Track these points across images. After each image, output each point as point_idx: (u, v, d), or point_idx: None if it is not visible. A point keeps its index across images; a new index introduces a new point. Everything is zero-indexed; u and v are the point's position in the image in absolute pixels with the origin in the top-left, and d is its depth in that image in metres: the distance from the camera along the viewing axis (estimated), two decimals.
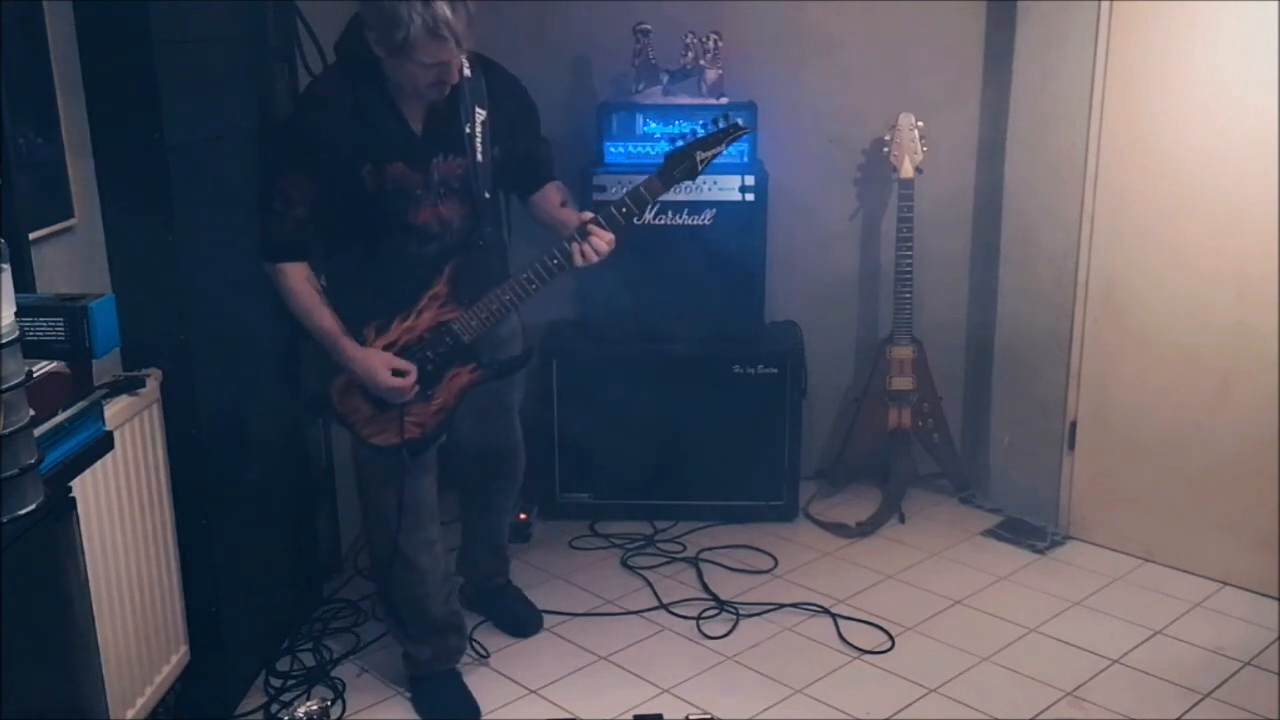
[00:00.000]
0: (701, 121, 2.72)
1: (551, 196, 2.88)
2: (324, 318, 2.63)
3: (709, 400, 3.81)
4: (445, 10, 2.38)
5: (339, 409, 2.73)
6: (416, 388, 2.67)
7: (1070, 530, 3.83)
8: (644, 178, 2.70)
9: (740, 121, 2.70)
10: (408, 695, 2.97)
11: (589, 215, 2.71)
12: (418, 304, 2.67)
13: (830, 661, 3.13)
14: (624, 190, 3.53)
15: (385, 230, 2.64)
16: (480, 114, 2.64)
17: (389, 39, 2.43)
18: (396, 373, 2.64)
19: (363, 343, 2.65)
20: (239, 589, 2.88)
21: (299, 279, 2.64)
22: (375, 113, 2.57)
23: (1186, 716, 2.86)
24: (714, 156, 2.68)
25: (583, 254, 2.64)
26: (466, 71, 2.61)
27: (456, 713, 2.89)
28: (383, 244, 2.66)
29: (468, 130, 2.63)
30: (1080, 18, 3.51)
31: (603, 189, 3.62)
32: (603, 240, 2.64)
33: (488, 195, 2.68)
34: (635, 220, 2.73)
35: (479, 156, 2.64)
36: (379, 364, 2.63)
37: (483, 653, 3.13)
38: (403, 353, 2.67)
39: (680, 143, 2.69)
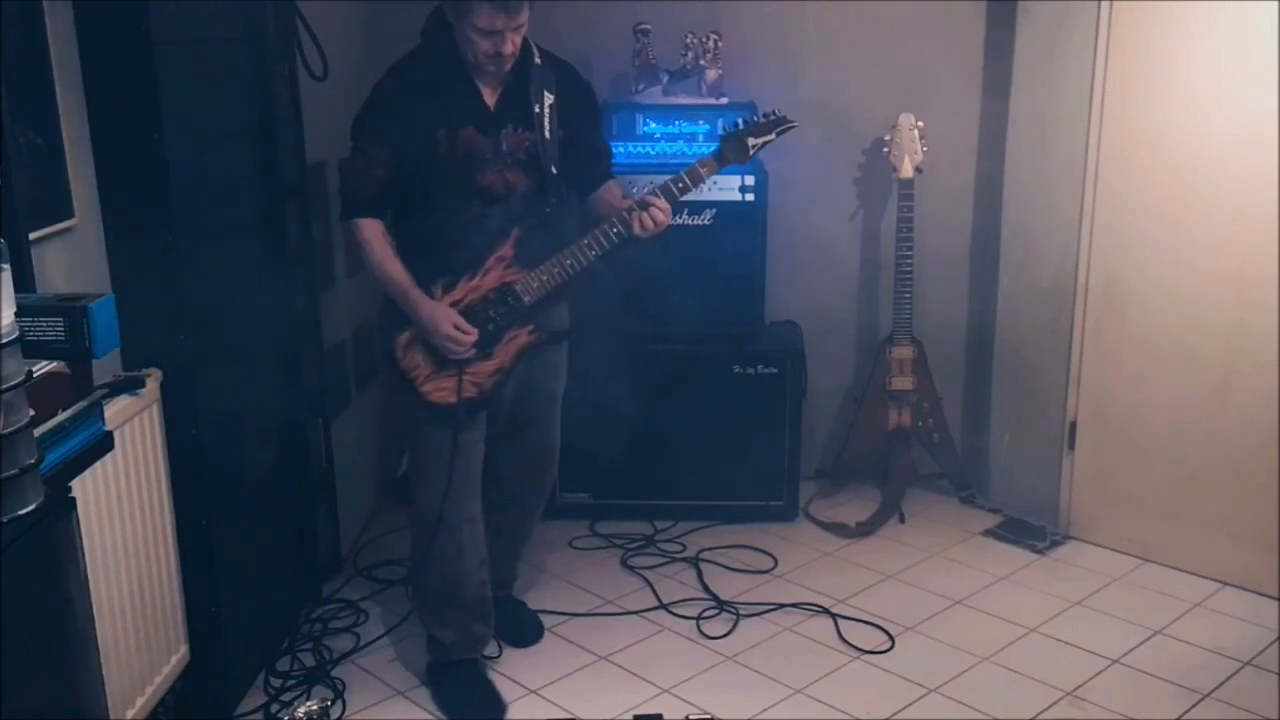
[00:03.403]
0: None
1: (614, 190, 2.99)
2: (396, 268, 2.76)
3: (709, 400, 3.81)
4: None
5: (402, 363, 2.80)
6: (474, 348, 2.77)
7: (1070, 530, 3.83)
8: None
9: (788, 116, 2.86)
10: (426, 689, 2.96)
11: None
12: (484, 264, 2.78)
13: (830, 661, 3.13)
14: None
15: (455, 191, 2.77)
16: (549, 98, 2.82)
17: None
18: (459, 330, 2.74)
19: (431, 298, 2.76)
20: (239, 589, 2.88)
21: (375, 233, 2.78)
22: (452, 84, 2.75)
23: (1186, 716, 2.86)
24: (764, 145, 2.86)
25: (641, 223, 2.75)
26: (537, 59, 2.82)
27: (481, 708, 2.89)
28: (452, 204, 2.77)
29: (536, 110, 2.79)
30: (1080, 18, 3.51)
31: None
32: (661, 210, 2.76)
33: (554, 170, 2.82)
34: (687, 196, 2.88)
35: (547, 134, 2.80)
36: (443, 316, 2.73)
37: (491, 654, 3.11)
38: (467, 311, 2.77)
39: (733, 128, 2.85)
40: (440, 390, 2.79)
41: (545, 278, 2.79)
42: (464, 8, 2.62)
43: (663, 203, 2.76)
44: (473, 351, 2.76)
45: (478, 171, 2.76)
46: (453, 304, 2.76)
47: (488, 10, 2.61)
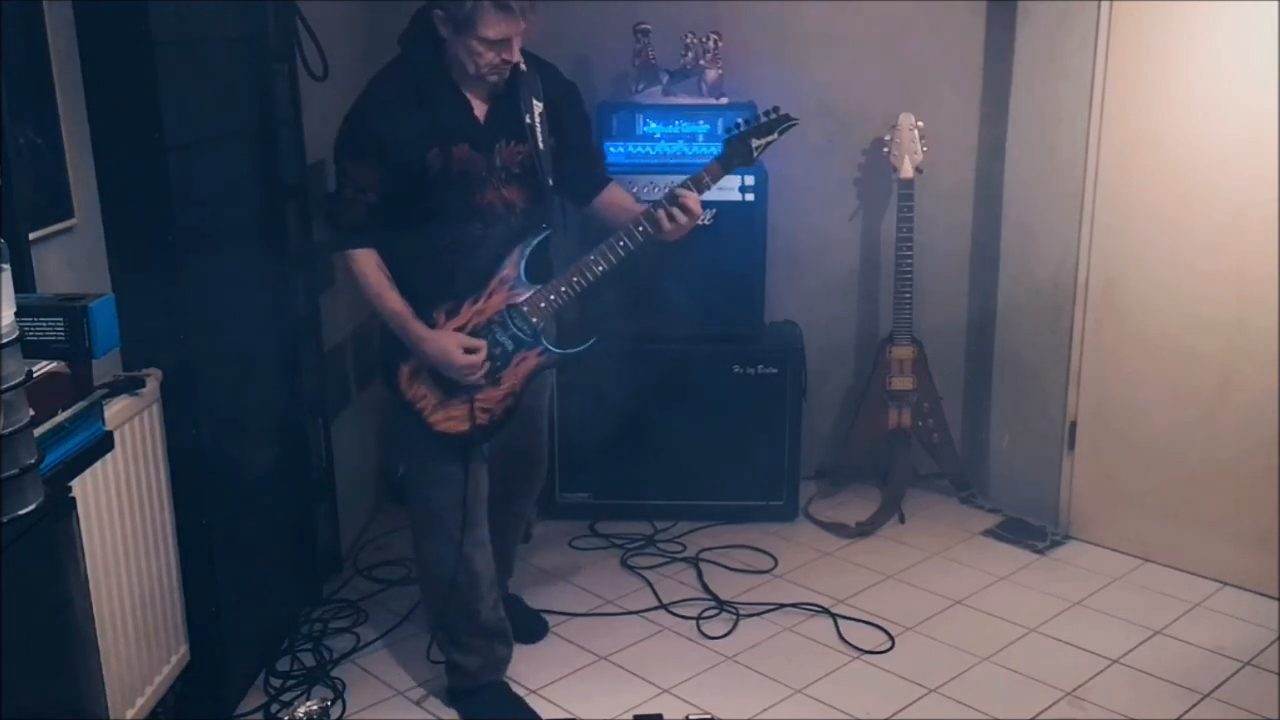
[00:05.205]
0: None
1: (621, 194, 2.92)
2: (394, 300, 2.64)
3: (709, 400, 3.81)
4: None
5: (406, 395, 2.72)
6: (488, 365, 2.68)
7: (1070, 530, 3.83)
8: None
9: (789, 113, 2.79)
10: (453, 710, 2.91)
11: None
12: (487, 287, 2.69)
13: (830, 661, 3.13)
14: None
15: (452, 213, 2.66)
16: (538, 105, 2.71)
17: (456, 12, 2.49)
18: (468, 352, 2.65)
19: (432, 326, 2.66)
20: (239, 589, 2.88)
21: (369, 264, 2.65)
22: (440, 98, 2.63)
23: (1186, 716, 2.86)
24: (768, 145, 2.78)
25: (673, 218, 2.67)
26: (523, 64, 2.68)
27: None
28: (450, 227, 2.67)
29: (528, 120, 2.68)
30: (1080, 18, 3.51)
31: None
32: (692, 202, 2.68)
33: (550, 181, 2.72)
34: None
35: (540, 144, 2.69)
36: (451, 343, 2.64)
37: None
38: (472, 336, 2.68)
39: (735, 130, 2.78)
40: (450, 420, 2.71)
41: (552, 296, 2.71)
42: (470, 21, 2.49)
43: (692, 194, 2.68)
44: (488, 366, 2.67)
45: (475, 191, 2.65)
46: (455, 330, 2.67)
47: (500, 19, 2.49)
